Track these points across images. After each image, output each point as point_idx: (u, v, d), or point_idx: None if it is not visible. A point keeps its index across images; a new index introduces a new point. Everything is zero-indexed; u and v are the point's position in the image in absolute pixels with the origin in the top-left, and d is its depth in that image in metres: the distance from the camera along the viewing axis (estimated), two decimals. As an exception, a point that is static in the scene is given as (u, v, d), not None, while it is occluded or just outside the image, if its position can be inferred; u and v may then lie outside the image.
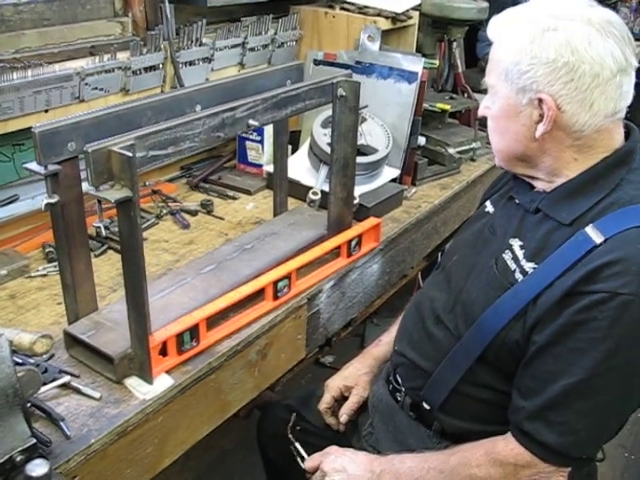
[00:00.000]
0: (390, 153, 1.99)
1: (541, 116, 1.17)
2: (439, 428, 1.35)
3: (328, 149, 1.74)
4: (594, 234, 1.13)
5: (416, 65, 2.02)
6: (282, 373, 1.62)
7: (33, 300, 1.47)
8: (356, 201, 1.73)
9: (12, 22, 1.64)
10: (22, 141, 1.69)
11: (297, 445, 1.54)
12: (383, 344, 1.63)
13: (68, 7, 1.77)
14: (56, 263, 1.48)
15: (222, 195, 2.01)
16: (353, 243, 1.68)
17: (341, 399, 1.61)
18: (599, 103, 1.13)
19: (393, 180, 2.03)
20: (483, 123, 2.36)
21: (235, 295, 1.39)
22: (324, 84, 1.50)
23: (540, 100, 1.15)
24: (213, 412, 1.38)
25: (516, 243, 1.25)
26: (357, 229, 1.70)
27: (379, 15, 2.28)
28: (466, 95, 2.56)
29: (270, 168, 1.93)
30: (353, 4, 2.33)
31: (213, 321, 1.36)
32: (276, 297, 1.47)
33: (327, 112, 1.89)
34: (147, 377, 1.23)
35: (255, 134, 2.08)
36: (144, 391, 1.21)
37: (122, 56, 1.80)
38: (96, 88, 1.75)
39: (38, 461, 0.91)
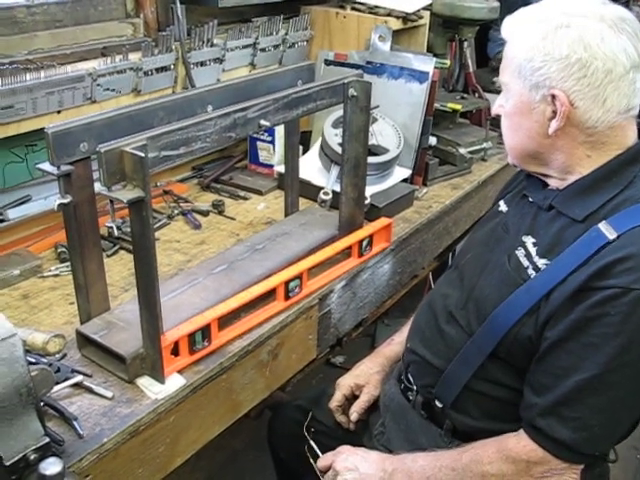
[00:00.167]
0: (401, 153, 1.99)
1: (554, 112, 1.17)
2: (450, 427, 1.35)
3: (339, 149, 1.74)
4: (607, 230, 1.13)
5: (427, 65, 2.02)
6: (293, 373, 1.62)
7: (46, 300, 1.48)
8: (367, 201, 1.72)
9: (25, 24, 1.65)
10: (35, 142, 1.70)
11: (313, 444, 1.54)
12: (395, 343, 1.63)
13: (80, 8, 1.78)
14: (68, 263, 1.48)
15: (233, 195, 2.02)
16: (364, 243, 1.68)
17: (352, 398, 1.61)
18: (612, 99, 1.13)
19: (404, 180, 2.03)
20: (494, 123, 2.38)
21: (246, 295, 1.39)
22: (335, 84, 1.50)
23: (553, 96, 1.15)
24: (224, 412, 1.38)
25: (529, 240, 1.25)
26: (368, 229, 1.69)
27: (390, 15, 2.28)
28: (477, 95, 2.55)
29: (281, 168, 1.94)
30: (364, 4, 2.33)
31: (225, 321, 1.36)
32: (287, 297, 1.47)
33: (338, 112, 1.89)
34: (159, 377, 1.23)
35: (266, 134, 2.08)
36: (156, 391, 1.22)
37: (134, 57, 1.81)
38: (108, 89, 1.76)
39: (51, 460, 0.92)
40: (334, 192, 1.77)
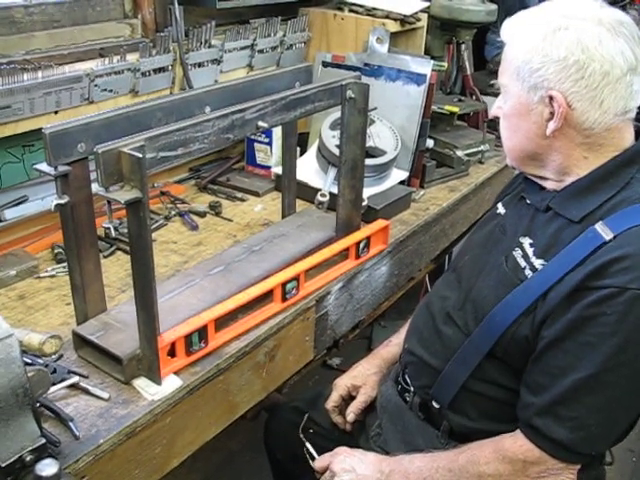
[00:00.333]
0: (398, 155, 1.99)
1: (552, 114, 1.18)
2: (447, 428, 1.35)
3: (336, 151, 1.75)
4: (603, 231, 1.14)
5: (425, 67, 2.02)
6: (290, 375, 1.62)
7: (42, 301, 1.48)
8: (364, 203, 1.73)
9: (23, 24, 1.65)
10: (32, 142, 1.70)
11: (309, 446, 1.54)
12: (392, 345, 1.63)
13: (78, 9, 1.78)
14: (65, 264, 1.48)
15: (230, 197, 2.01)
16: (361, 245, 1.68)
17: (349, 398, 1.61)
18: (609, 101, 1.14)
19: (401, 182, 2.03)
20: (491, 125, 2.38)
21: (244, 297, 1.39)
22: (333, 86, 1.50)
23: (551, 98, 1.16)
24: (221, 413, 1.38)
25: (526, 241, 1.25)
26: (365, 231, 1.69)
27: (388, 17, 2.28)
28: (474, 97, 2.55)
29: (278, 170, 1.93)
30: (362, 6, 2.33)
31: (222, 322, 1.36)
32: (284, 299, 1.47)
33: (335, 114, 1.89)
34: (155, 378, 1.23)
35: (264, 136, 2.08)
36: (152, 392, 1.21)
37: (131, 58, 1.80)
38: (105, 89, 1.76)
39: (48, 461, 0.92)
40: (331, 194, 1.77)
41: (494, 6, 2.43)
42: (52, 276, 1.56)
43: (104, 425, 1.14)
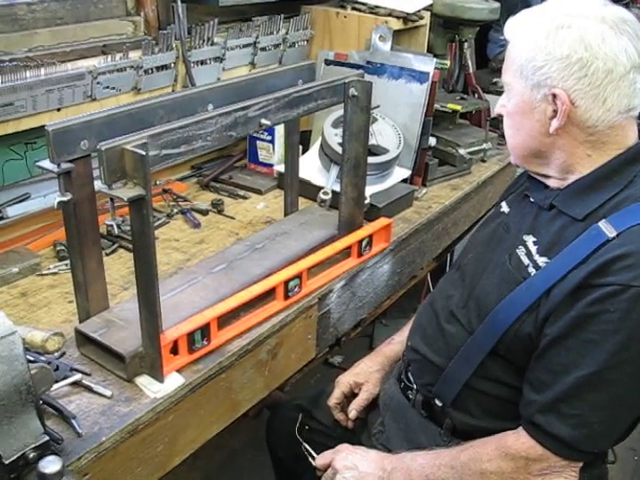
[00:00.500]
0: (401, 153, 1.99)
1: (555, 112, 1.18)
2: (450, 426, 1.35)
3: (339, 149, 1.74)
4: (607, 228, 1.14)
5: (427, 65, 2.02)
6: (292, 373, 1.62)
7: (44, 298, 1.48)
8: (367, 201, 1.72)
9: (25, 21, 1.65)
10: (34, 139, 1.69)
11: (306, 446, 1.54)
12: (395, 343, 1.63)
13: (81, 6, 1.78)
14: (67, 261, 1.49)
15: (233, 194, 2.01)
16: (364, 243, 1.67)
17: (351, 396, 1.61)
18: (612, 99, 1.14)
19: (404, 180, 2.03)
20: (494, 124, 2.38)
21: (246, 294, 1.39)
22: (336, 84, 1.50)
23: (554, 95, 1.16)
24: (223, 411, 1.38)
25: (530, 239, 1.25)
26: (368, 229, 1.69)
27: (390, 15, 2.27)
28: (477, 96, 2.55)
29: (281, 168, 1.93)
30: (364, 4, 2.33)
31: (224, 320, 1.36)
32: (287, 297, 1.47)
33: (338, 112, 1.89)
34: (158, 376, 1.23)
35: (266, 134, 2.08)
36: (155, 390, 1.21)
37: (134, 55, 1.80)
38: (108, 87, 1.76)
39: (51, 458, 0.91)
40: (334, 192, 1.77)
41: (497, 4, 2.44)
42: (54, 273, 1.56)
43: (106, 423, 1.14)
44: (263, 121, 1.34)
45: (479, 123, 2.50)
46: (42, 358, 1.21)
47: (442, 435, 1.36)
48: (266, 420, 1.86)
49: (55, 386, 1.15)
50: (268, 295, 1.45)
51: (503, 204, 1.43)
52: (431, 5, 2.42)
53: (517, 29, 1.23)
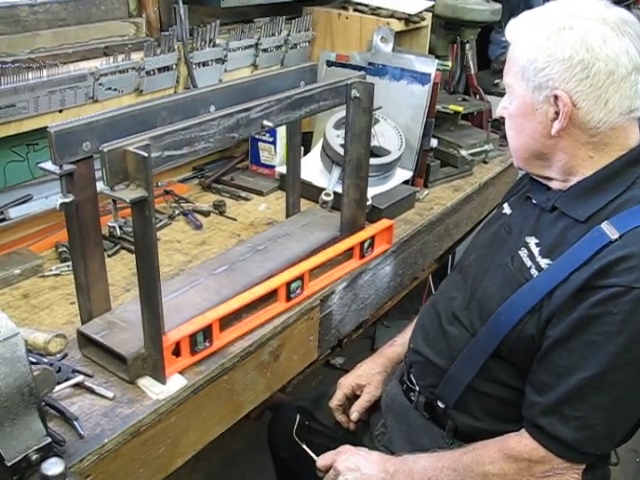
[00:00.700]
0: (403, 155, 1.99)
1: (557, 113, 1.18)
2: (453, 427, 1.35)
3: (341, 150, 1.74)
4: (609, 230, 1.14)
5: (429, 67, 2.02)
6: (294, 374, 1.62)
7: (46, 300, 1.48)
8: (369, 203, 1.72)
9: (27, 22, 1.65)
10: (36, 141, 1.70)
11: (305, 447, 1.54)
12: (397, 345, 1.63)
13: (83, 7, 1.78)
14: (69, 263, 1.49)
15: (234, 196, 2.01)
16: (366, 245, 1.67)
17: (353, 397, 1.61)
18: (614, 100, 1.14)
19: (405, 182, 2.03)
20: (495, 125, 2.38)
21: (248, 296, 1.39)
22: (338, 85, 1.50)
23: (556, 97, 1.16)
24: (225, 413, 1.38)
25: (532, 241, 1.25)
26: (370, 231, 1.69)
27: (392, 16, 2.27)
28: (478, 97, 2.55)
29: (282, 169, 1.93)
30: (366, 5, 2.33)
31: (226, 322, 1.35)
32: (289, 298, 1.47)
33: (340, 113, 1.89)
34: (160, 377, 1.23)
35: (268, 135, 2.08)
36: (157, 391, 1.21)
37: (136, 56, 1.80)
38: (110, 88, 1.76)
39: (53, 460, 0.91)
40: (335, 193, 1.77)
41: (498, 5, 2.43)
42: (56, 275, 1.56)
43: (109, 424, 1.13)
44: (265, 122, 1.34)
45: (481, 124, 2.50)
46: (44, 360, 1.21)
47: (444, 437, 1.36)
48: (268, 421, 1.86)
49: (57, 388, 1.15)
50: (270, 297, 1.45)
51: (505, 205, 1.43)
52: (433, 6, 2.42)
53: (518, 31, 1.24)
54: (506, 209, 1.42)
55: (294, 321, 1.49)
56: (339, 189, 1.68)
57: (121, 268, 1.61)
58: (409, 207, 1.98)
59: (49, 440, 0.94)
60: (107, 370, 1.26)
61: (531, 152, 1.26)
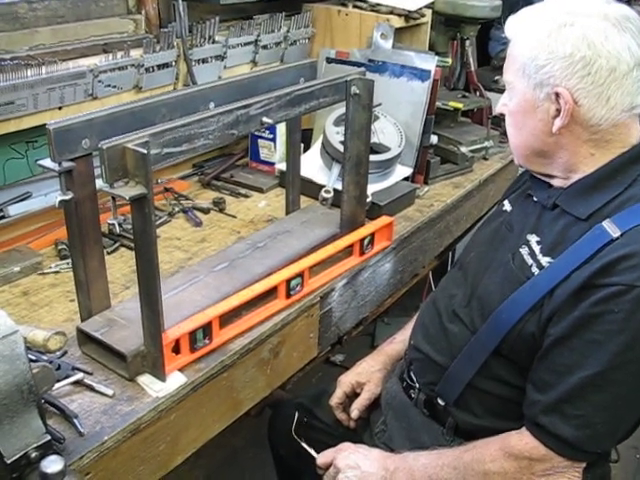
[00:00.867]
0: (403, 151, 1.98)
1: (558, 111, 1.17)
2: (453, 425, 1.35)
3: (341, 147, 1.74)
4: (611, 228, 1.13)
5: (429, 63, 2.01)
6: (294, 371, 1.61)
7: (46, 297, 1.47)
8: (369, 199, 1.72)
9: (26, 19, 1.65)
10: (35, 138, 1.69)
11: (304, 444, 1.54)
12: (397, 342, 1.63)
13: (82, 4, 1.78)
14: (69, 260, 1.48)
15: (234, 193, 2.01)
16: (366, 241, 1.67)
17: (353, 395, 1.61)
18: (616, 97, 1.14)
19: (405, 179, 2.02)
20: (495, 122, 2.38)
21: (248, 293, 1.39)
22: (338, 82, 1.50)
23: (557, 94, 1.15)
24: (225, 410, 1.38)
25: (533, 238, 1.25)
26: (370, 227, 1.69)
27: (392, 13, 2.27)
28: (478, 94, 2.54)
29: (282, 166, 1.93)
30: (366, 2, 2.32)
31: (226, 319, 1.35)
32: (289, 295, 1.47)
33: (339, 110, 1.89)
34: (160, 375, 1.23)
35: (267, 132, 2.08)
36: (157, 389, 1.21)
37: (135, 53, 1.80)
38: (109, 85, 1.75)
39: (53, 457, 0.91)
40: (335, 190, 1.76)
41: (498, 2, 2.42)
42: (56, 272, 1.56)
43: (108, 422, 1.13)
44: (264, 119, 1.34)
45: (481, 121, 2.50)
46: (44, 357, 1.21)
47: (444, 434, 1.36)
48: (268, 419, 1.86)
49: (57, 385, 1.15)
50: (270, 294, 1.44)
51: (505, 202, 1.42)
52: (433, 3, 2.41)
53: (518, 27, 1.22)
54: (506, 206, 1.41)
55: (294, 318, 1.48)
56: (339, 186, 1.68)
57: (121, 265, 1.60)
58: (409, 204, 1.98)
59: (48, 438, 0.94)
60: (107, 367, 1.26)
61: (532, 149, 1.26)
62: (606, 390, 1.13)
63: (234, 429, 1.48)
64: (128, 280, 1.53)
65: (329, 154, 1.92)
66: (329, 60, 2.14)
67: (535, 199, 1.31)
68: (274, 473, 1.91)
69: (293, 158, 1.74)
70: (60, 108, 1.66)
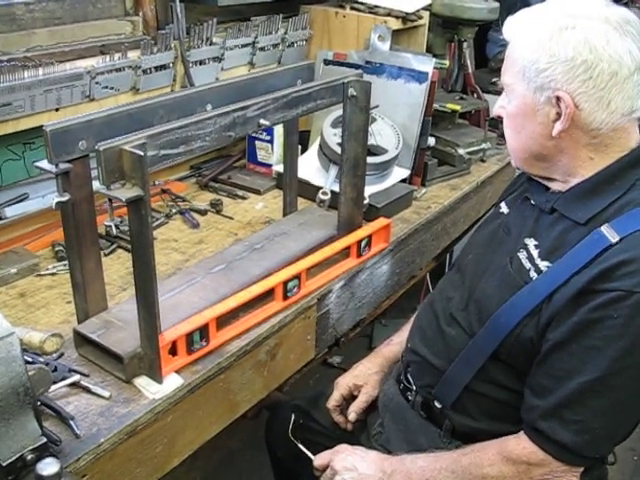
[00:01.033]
0: (400, 153, 1.98)
1: (558, 114, 1.16)
2: (450, 427, 1.35)
3: (338, 149, 1.74)
4: (609, 233, 1.13)
5: (426, 65, 2.01)
6: (291, 373, 1.61)
7: (43, 299, 1.47)
8: (366, 201, 1.72)
9: (23, 21, 1.65)
10: (32, 140, 1.69)
11: (301, 446, 1.54)
12: (394, 344, 1.63)
13: (79, 6, 1.78)
14: (66, 262, 1.48)
15: (231, 195, 2.01)
16: (363, 243, 1.67)
17: (350, 398, 1.61)
18: (616, 101, 1.13)
19: (403, 181, 2.02)
20: (493, 124, 2.38)
21: (245, 295, 1.39)
22: (335, 84, 1.50)
23: (558, 98, 1.15)
24: (222, 412, 1.38)
25: (531, 242, 1.24)
26: (367, 229, 1.69)
27: (389, 15, 2.27)
28: (476, 96, 2.54)
29: (280, 168, 1.93)
30: (363, 4, 2.32)
31: (223, 321, 1.35)
32: (286, 297, 1.47)
33: (337, 112, 1.89)
34: (156, 377, 1.22)
35: (265, 134, 2.08)
36: (153, 390, 1.21)
37: (132, 55, 1.80)
38: (106, 87, 1.75)
39: (49, 460, 0.91)
40: (333, 192, 1.76)
41: (496, 4, 2.43)
42: (53, 274, 1.56)
43: (105, 424, 1.13)
44: (262, 121, 1.34)
45: (478, 123, 2.50)
46: (40, 359, 1.21)
47: (441, 436, 1.36)
48: (265, 421, 1.86)
49: (53, 387, 1.15)
50: (267, 296, 1.44)
51: (502, 205, 1.42)
52: (430, 5, 2.42)
53: (517, 29, 1.21)
54: (503, 208, 1.41)
55: (291, 320, 1.48)
56: (336, 188, 1.68)
57: (117, 267, 1.60)
58: (406, 206, 1.98)
59: (44, 440, 0.94)
60: (103, 369, 1.25)
61: (530, 152, 1.25)
62: (605, 395, 1.12)
63: (231, 431, 1.48)
64: (125, 282, 1.53)
65: (326, 156, 1.92)
66: (326, 62, 2.14)
67: (533, 202, 1.30)
68: (271, 475, 1.90)
69: (290, 160, 1.74)
70: (57, 110, 1.66)
